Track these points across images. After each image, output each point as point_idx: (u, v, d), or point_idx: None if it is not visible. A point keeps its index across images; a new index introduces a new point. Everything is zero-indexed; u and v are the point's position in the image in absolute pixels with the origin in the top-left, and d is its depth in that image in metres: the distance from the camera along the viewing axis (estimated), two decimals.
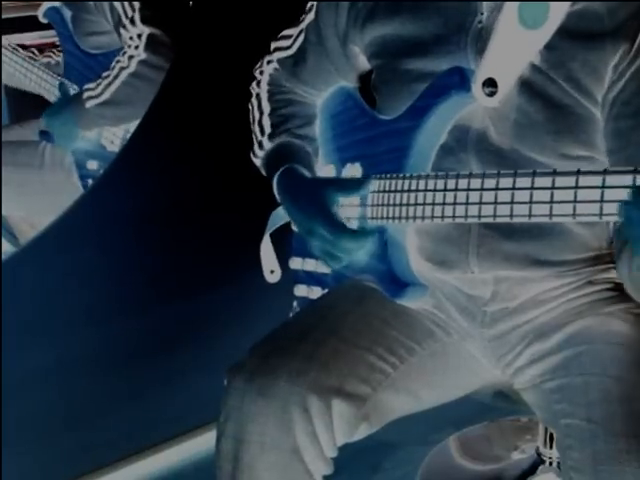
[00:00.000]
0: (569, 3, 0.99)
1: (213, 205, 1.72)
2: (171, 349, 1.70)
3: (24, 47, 1.62)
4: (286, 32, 1.28)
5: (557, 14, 0.99)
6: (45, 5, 1.59)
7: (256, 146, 1.28)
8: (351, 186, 1.18)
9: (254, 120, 1.30)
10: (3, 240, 1.61)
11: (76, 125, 1.58)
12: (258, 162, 1.29)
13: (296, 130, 1.25)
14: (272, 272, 1.35)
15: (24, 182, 1.63)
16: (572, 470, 0.98)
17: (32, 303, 1.49)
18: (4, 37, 1.57)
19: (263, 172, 1.28)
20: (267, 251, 1.34)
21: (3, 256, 1.53)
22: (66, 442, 1.58)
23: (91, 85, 1.53)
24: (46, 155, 1.63)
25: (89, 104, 1.53)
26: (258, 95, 1.31)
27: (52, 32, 1.62)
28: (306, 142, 1.26)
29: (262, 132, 1.27)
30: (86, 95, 1.53)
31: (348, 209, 1.19)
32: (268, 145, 1.25)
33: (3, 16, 1.52)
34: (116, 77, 1.51)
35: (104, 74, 1.52)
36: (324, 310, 1.16)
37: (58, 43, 1.63)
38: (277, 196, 1.25)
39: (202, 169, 1.68)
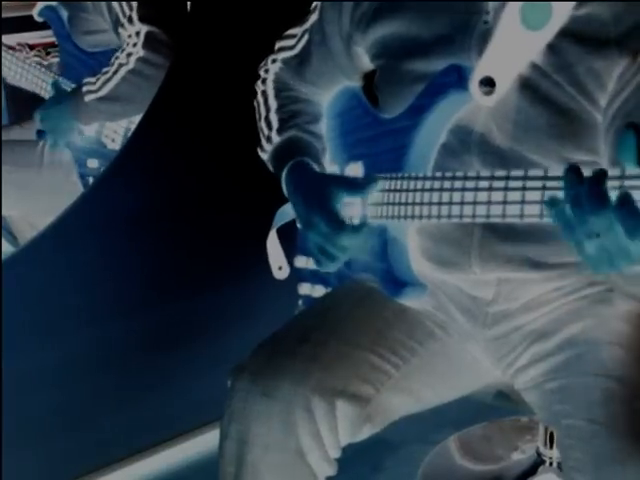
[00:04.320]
0: (572, 6, 0.98)
1: (215, 204, 1.72)
2: (173, 349, 1.70)
3: (31, 47, 1.62)
4: (290, 31, 1.28)
5: (559, 17, 0.98)
6: (40, 4, 1.58)
7: (264, 141, 1.28)
8: (357, 186, 1.16)
9: (260, 117, 1.29)
10: (3, 240, 1.60)
11: (74, 118, 1.58)
12: (265, 156, 1.28)
13: (305, 126, 1.25)
14: (280, 268, 1.34)
15: (24, 182, 1.62)
16: (573, 470, 0.99)
17: (32, 303, 1.49)
18: (4, 37, 1.56)
19: (270, 167, 1.28)
20: (274, 247, 1.34)
21: (3, 256, 1.52)
22: (66, 442, 1.58)
23: (91, 79, 1.53)
24: (45, 154, 1.63)
25: (88, 98, 1.53)
26: (264, 92, 1.31)
27: (51, 32, 1.61)
28: (314, 138, 1.25)
29: (270, 127, 1.27)
30: (85, 89, 1.53)
31: (349, 207, 1.19)
32: (277, 139, 1.25)
33: (3, 16, 1.52)
34: (115, 73, 1.51)
35: (104, 70, 1.52)
36: (326, 311, 1.16)
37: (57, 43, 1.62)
38: (284, 189, 1.24)
39: (204, 167, 1.68)
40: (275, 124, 1.26)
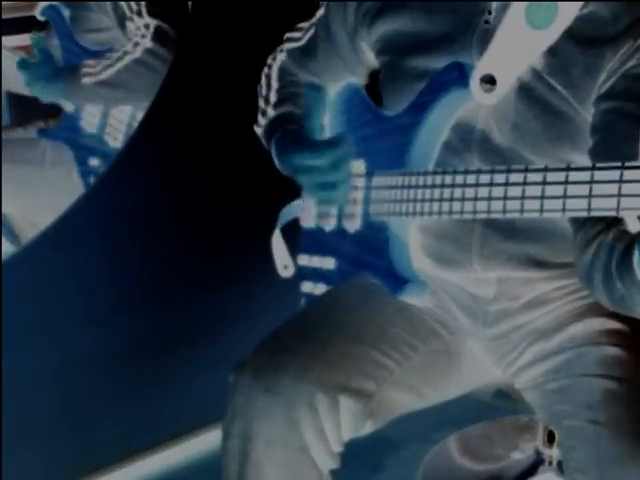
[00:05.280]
0: (578, 6, 0.98)
1: (216, 204, 1.72)
2: (173, 349, 1.70)
3: None
4: (300, 25, 1.29)
5: (565, 16, 0.98)
6: (42, 3, 1.58)
7: (260, 115, 1.28)
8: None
9: (261, 96, 1.30)
10: (3, 239, 1.60)
11: (64, 94, 1.58)
12: (259, 131, 1.29)
13: (302, 105, 1.25)
14: (285, 267, 1.34)
15: (25, 181, 1.62)
16: (576, 471, 0.98)
17: (32, 303, 1.49)
18: (4, 37, 1.56)
19: (263, 141, 1.28)
20: (279, 246, 1.33)
21: (3, 256, 1.52)
22: (66, 442, 1.58)
23: (91, 62, 1.54)
24: (47, 153, 1.63)
25: (85, 80, 1.54)
26: (268, 75, 1.31)
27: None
28: None
29: (267, 103, 1.27)
30: (84, 71, 1.54)
31: (351, 206, 1.20)
32: (272, 113, 1.26)
33: (3, 16, 1.52)
34: (118, 60, 1.52)
35: (106, 55, 1.53)
36: (328, 308, 1.16)
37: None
38: (273, 156, 1.23)
39: (206, 167, 1.68)
40: (273, 100, 1.27)
